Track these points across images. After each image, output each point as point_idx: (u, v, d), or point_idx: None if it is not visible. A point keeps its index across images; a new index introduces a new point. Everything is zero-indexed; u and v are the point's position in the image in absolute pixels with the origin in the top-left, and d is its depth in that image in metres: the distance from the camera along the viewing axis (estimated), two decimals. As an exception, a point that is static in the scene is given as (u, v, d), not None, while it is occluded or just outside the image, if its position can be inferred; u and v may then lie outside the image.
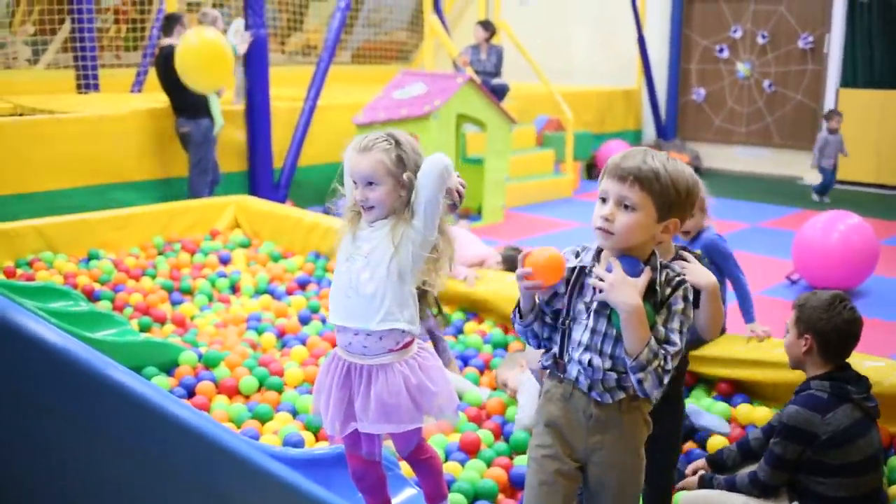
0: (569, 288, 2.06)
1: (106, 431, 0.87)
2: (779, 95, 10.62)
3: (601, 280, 1.95)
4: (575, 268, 2.07)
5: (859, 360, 3.02)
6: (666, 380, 1.96)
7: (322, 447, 3.02)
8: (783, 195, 9.43)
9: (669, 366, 1.95)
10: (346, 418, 2.32)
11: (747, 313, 3.64)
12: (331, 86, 8.14)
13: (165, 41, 6.92)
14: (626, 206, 1.94)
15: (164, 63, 6.81)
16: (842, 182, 10.01)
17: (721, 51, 10.99)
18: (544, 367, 2.14)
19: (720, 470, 2.92)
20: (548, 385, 2.14)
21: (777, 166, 10.71)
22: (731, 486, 2.77)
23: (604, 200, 1.98)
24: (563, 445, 2.09)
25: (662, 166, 1.95)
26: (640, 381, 1.94)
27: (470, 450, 3.26)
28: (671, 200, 1.95)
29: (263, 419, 3.48)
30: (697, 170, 10.51)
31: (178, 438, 0.90)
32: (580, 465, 2.11)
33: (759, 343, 3.66)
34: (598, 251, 2.07)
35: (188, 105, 6.80)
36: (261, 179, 7.29)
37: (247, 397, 3.73)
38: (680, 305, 1.99)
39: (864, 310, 5.89)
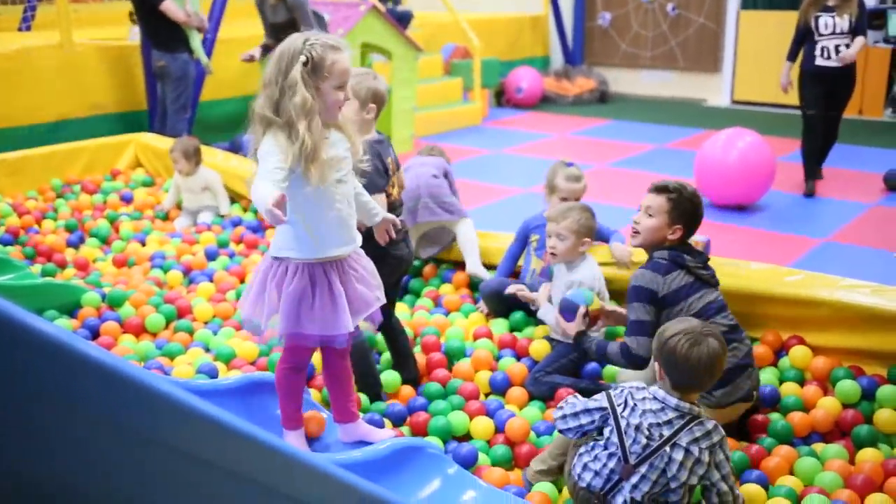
0: None
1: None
2: (682, 19, 10.74)
3: None
4: None
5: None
6: None
7: (232, 377, 3.00)
8: (687, 117, 9.62)
9: None
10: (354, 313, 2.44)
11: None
12: (231, 18, 7.90)
13: None
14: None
15: None
16: (741, 102, 10.26)
17: (625, -26, 11.01)
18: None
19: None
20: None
21: (682, 89, 10.89)
22: (603, 355, 2.95)
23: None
24: None
25: None
26: None
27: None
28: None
29: (173, 356, 3.42)
30: (605, 94, 10.66)
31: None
32: None
33: None
34: None
35: (164, 37, 6.36)
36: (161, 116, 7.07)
37: (154, 335, 3.68)
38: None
39: (761, 223, 6.09)
